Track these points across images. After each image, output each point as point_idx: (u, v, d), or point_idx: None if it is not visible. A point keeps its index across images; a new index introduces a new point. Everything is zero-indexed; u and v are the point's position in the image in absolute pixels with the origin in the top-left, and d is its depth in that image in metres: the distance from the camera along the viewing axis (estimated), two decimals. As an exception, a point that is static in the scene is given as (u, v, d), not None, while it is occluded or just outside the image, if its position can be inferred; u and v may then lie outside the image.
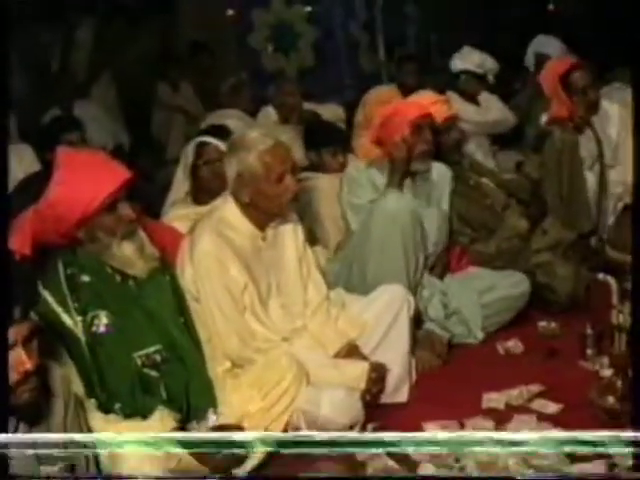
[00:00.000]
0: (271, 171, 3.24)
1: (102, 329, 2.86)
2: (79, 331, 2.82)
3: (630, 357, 2.85)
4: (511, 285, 4.12)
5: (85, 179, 2.81)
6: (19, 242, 2.79)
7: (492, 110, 5.74)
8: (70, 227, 2.83)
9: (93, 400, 2.78)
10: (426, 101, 4.36)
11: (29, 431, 2.33)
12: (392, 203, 3.84)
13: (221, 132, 4.38)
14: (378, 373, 3.37)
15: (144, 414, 2.83)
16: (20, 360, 2.22)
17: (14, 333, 2.22)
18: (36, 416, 2.38)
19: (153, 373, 2.92)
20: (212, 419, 3.00)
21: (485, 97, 5.82)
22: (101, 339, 2.85)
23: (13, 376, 2.24)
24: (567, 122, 4.80)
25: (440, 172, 4.22)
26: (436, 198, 4.19)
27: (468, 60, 5.82)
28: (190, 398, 2.98)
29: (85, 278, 2.87)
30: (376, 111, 4.12)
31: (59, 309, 2.82)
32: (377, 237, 3.81)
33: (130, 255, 2.91)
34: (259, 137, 3.27)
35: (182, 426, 2.91)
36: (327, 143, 4.70)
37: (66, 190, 2.79)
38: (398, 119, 4.04)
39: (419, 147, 4.05)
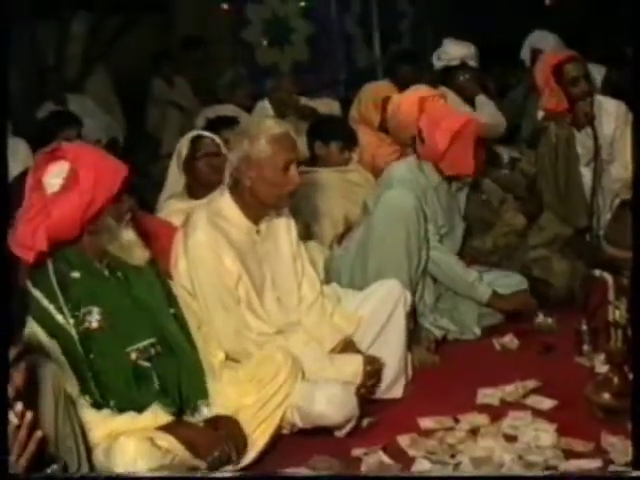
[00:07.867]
0: (278, 157, 3.24)
1: (94, 325, 2.85)
2: (71, 328, 2.81)
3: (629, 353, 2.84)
4: (509, 287, 4.08)
5: (103, 166, 2.84)
6: (29, 239, 2.76)
7: (485, 114, 5.69)
8: (95, 214, 2.82)
9: (87, 397, 2.77)
10: (420, 94, 4.36)
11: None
12: (397, 199, 3.81)
13: (229, 122, 4.37)
14: (373, 366, 3.35)
15: (139, 408, 2.82)
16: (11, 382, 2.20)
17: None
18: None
19: (148, 366, 2.91)
20: (205, 411, 2.99)
21: (481, 100, 5.79)
22: (94, 335, 2.84)
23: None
24: (563, 117, 4.77)
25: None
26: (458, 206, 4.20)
27: (451, 54, 5.79)
28: (183, 390, 2.97)
29: (75, 274, 2.86)
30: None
31: (50, 307, 2.80)
32: (380, 232, 3.79)
33: (135, 240, 2.92)
34: (273, 123, 3.33)
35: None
36: (336, 137, 4.70)
37: (92, 176, 2.79)
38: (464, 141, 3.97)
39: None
